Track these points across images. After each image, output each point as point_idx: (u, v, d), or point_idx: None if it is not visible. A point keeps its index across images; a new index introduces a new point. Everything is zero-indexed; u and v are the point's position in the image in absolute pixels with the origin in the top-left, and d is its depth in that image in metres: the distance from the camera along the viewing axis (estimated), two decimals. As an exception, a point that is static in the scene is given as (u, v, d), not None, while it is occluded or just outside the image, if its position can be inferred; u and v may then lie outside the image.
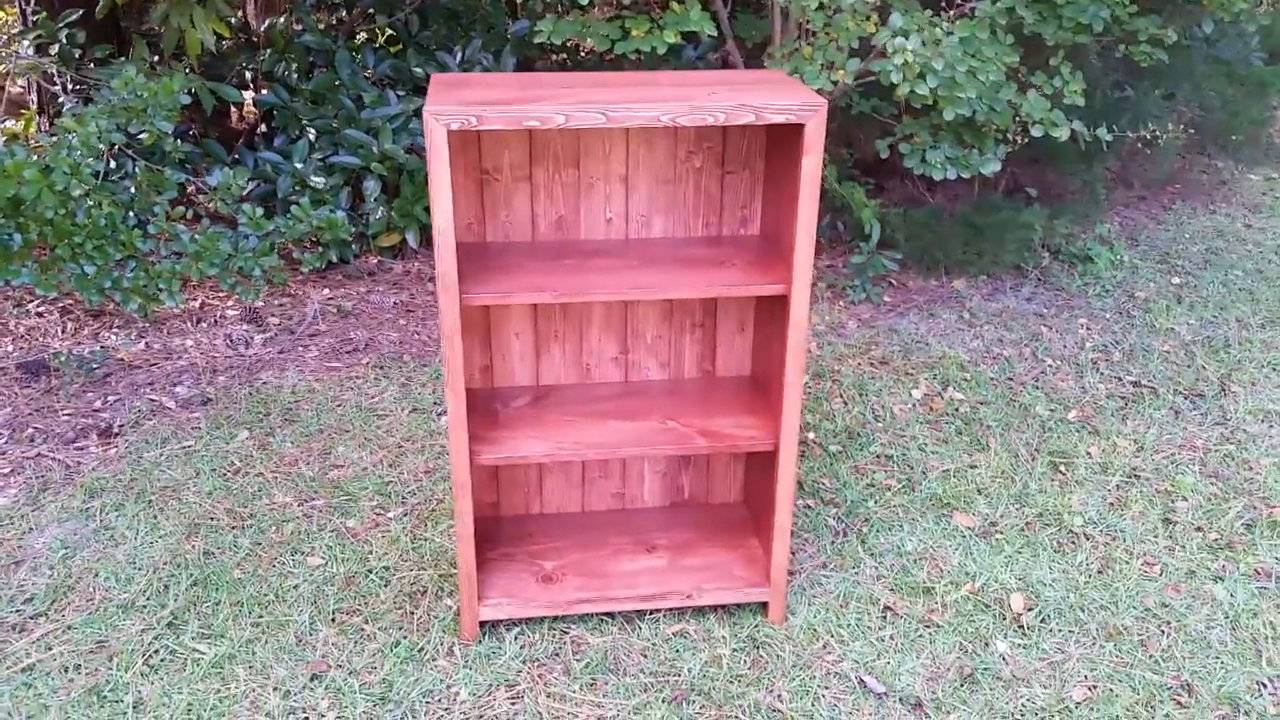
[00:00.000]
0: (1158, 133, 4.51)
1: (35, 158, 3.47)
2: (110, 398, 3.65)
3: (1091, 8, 3.53)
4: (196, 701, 2.35)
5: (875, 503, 3.09)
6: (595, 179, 2.50)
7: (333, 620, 2.60)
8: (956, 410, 3.60)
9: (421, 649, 2.51)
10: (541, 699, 2.37)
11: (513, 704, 2.36)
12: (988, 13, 3.40)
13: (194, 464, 3.25)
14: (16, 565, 2.79)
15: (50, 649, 2.50)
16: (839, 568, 2.81)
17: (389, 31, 5.49)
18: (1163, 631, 2.61)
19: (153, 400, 3.64)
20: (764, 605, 2.62)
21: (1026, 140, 3.83)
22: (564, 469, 2.81)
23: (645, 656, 2.50)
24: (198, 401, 3.64)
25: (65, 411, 3.55)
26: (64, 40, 4.82)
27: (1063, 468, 3.27)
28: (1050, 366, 3.90)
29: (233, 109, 5.90)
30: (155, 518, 2.98)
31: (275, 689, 2.39)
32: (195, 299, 4.40)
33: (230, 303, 4.37)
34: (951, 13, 3.56)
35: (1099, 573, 2.81)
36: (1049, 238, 4.76)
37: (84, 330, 4.10)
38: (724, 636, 2.56)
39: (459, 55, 4.94)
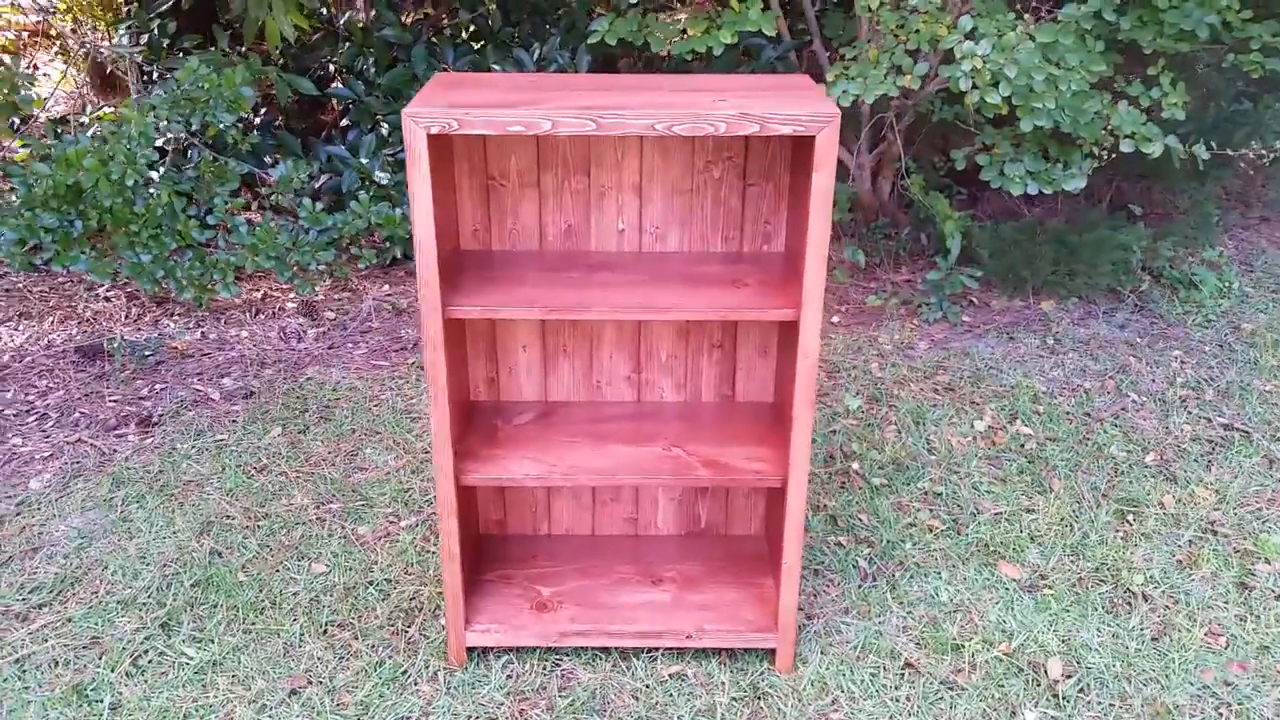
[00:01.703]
0: (1280, 150, 4.11)
1: (95, 147, 3.52)
2: (158, 386, 3.68)
3: (1197, 13, 3.20)
4: (173, 708, 2.30)
5: (914, 545, 2.86)
6: (607, 188, 2.36)
7: (324, 633, 2.53)
8: (1021, 446, 3.32)
9: (406, 671, 2.41)
10: (518, 736, 2.25)
11: (487, 738, 2.25)
12: (1072, 17, 3.11)
13: (223, 459, 3.24)
14: (34, 552, 2.81)
15: (46, 641, 2.50)
16: (862, 614, 2.60)
17: (472, 27, 5.45)
18: (1221, 715, 2.32)
19: (198, 390, 3.66)
20: (772, 651, 2.44)
21: (1115, 155, 3.51)
22: (572, 490, 2.68)
23: (636, 699, 2.35)
24: (241, 395, 3.64)
25: (113, 398, 3.60)
26: (155, 30, 4.92)
27: (1130, 517, 2.98)
28: (1133, 402, 3.57)
29: (334, 102, 5.96)
30: (173, 513, 2.97)
31: (252, 702, 2.33)
32: (259, 290, 4.43)
33: (291, 295, 4.39)
34: (1029, 16, 3.28)
35: (1153, 640, 2.53)
36: (1151, 259, 4.39)
37: (146, 317, 4.17)
38: (724, 683, 2.39)
39: (536, 53, 4.85)
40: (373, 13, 5.01)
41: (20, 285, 4.36)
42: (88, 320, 4.13)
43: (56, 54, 7.23)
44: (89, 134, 3.91)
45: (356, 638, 2.52)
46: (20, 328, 4.05)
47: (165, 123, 3.74)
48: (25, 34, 7.75)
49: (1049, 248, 4.31)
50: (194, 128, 3.95)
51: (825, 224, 2.01)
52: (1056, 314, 4.25)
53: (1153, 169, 4.36)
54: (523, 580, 2.57)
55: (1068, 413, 3.52)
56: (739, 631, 2.41)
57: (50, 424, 3.44)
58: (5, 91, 3.61)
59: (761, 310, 2.13)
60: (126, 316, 4.17)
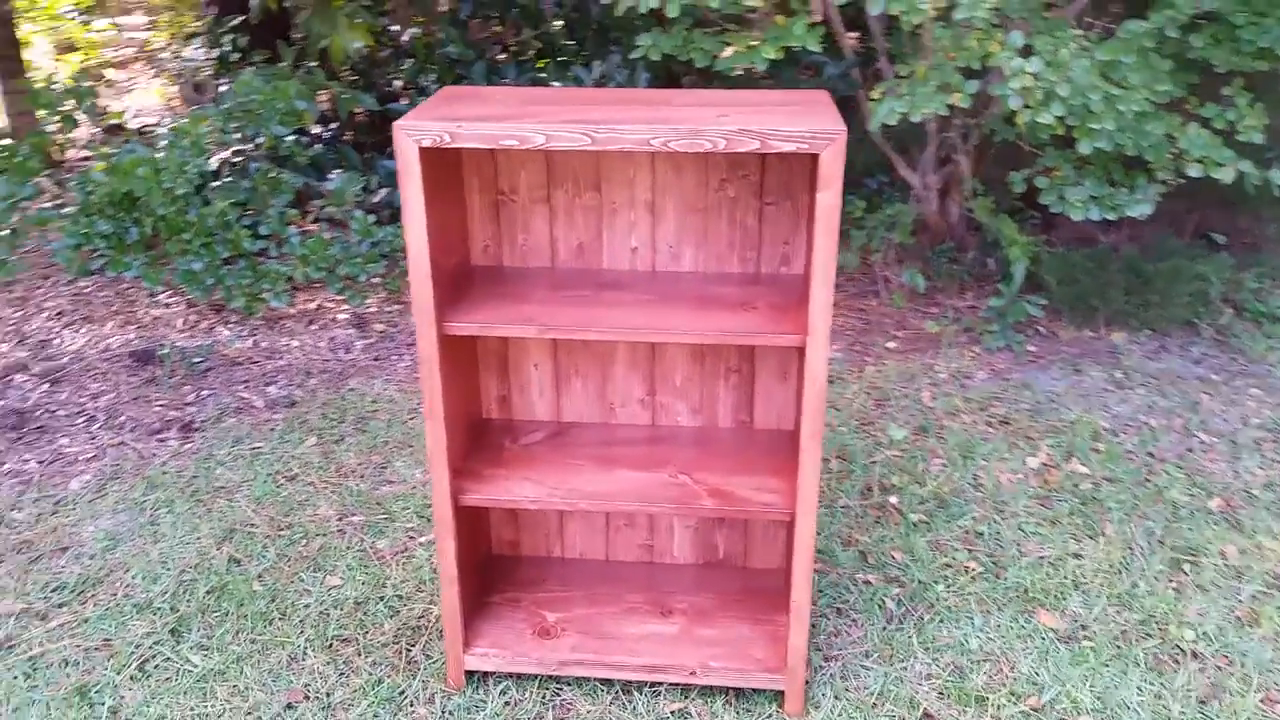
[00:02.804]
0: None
1: (148, 156, 3.60)
2: (204, 392, 3.74)
3: (1277, 29, 3.00)
4: (170, 715, 2.30)
5: (947, 587, 2.71)
6: (619, 204, 2.29)
7: (328, 647, 2.51)
8: (1075, 486, 3.14)
9: (403, 691, 2.37)
10: (507, 766, 2.18)
11: (476, 767, 2.18)
12: (1134, 33, 2.94)
13: (255, 466, 3.26)
14: (61, 552, 2.86)
15: (60, 640, 2.53)
16: (884, 659, 2.47)
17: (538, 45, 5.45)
18: (1267, 789, 2.13)
19: (243, 398, 3.70)
20: (781, 693, 2.33)
21: (1186, 180, 3.31)
22: (585, 514, 2.61)
23: (633, 733, 2.26)
24: (283, 403, 3.67)
25: (159, 402, 3.66)
26: (226, 44, 5.04)
27: (1186, 567, 2.78)
28: (1201, 443, 3.35)
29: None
30: (199, 519, 2.99)
31: (248, 714, 2.31)
32: (314, 301, 4.48)
33: (344, 307, 4.42)
34: (1081, 32, 3.10)
35: (1201, 703, 2.34)
36: (1233, 291, 4.14)
37: (202, 324, 4.24)
38: (727, 722, 2.29)
39: (596, 71, 4.83)
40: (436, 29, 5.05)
41: (87, 290, 4.49)
42: (146, 325, 4.22)
43: (145, 69, 7.49)
44: (149, 143, 4.00)
45: (360, 654, 2.48)
46: (82, 330, 4.17)
47: (219, 134, 3.80)
48: (122, 50, 8.07)
49: (1121, 276, 4.10)
50: (255, 140, 4.03)
51: (831, 246, 1.91)
52: (1127, 346, 4.03)
53: (1238, 196, 4.11)
54: (529, 604, 2.51)
55: (1129, 452, 3.31)
56: (745, 671, 2.30)
57: (97, 426, 3.51)
58: (72, 104, 3.72)
59: (767, 335, 2.03)
60: (184, 323, 4.25)
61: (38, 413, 3.59)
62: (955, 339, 4.14)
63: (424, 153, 1.94)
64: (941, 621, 2.59)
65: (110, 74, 8.10)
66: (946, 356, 4.00)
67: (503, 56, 5.28)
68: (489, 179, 2.29)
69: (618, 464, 2.33)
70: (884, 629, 2.56)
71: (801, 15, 3.17)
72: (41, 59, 8.05)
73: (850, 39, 4.41)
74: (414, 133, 1.89)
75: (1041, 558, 2.82)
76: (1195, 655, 2.48)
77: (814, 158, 1.99)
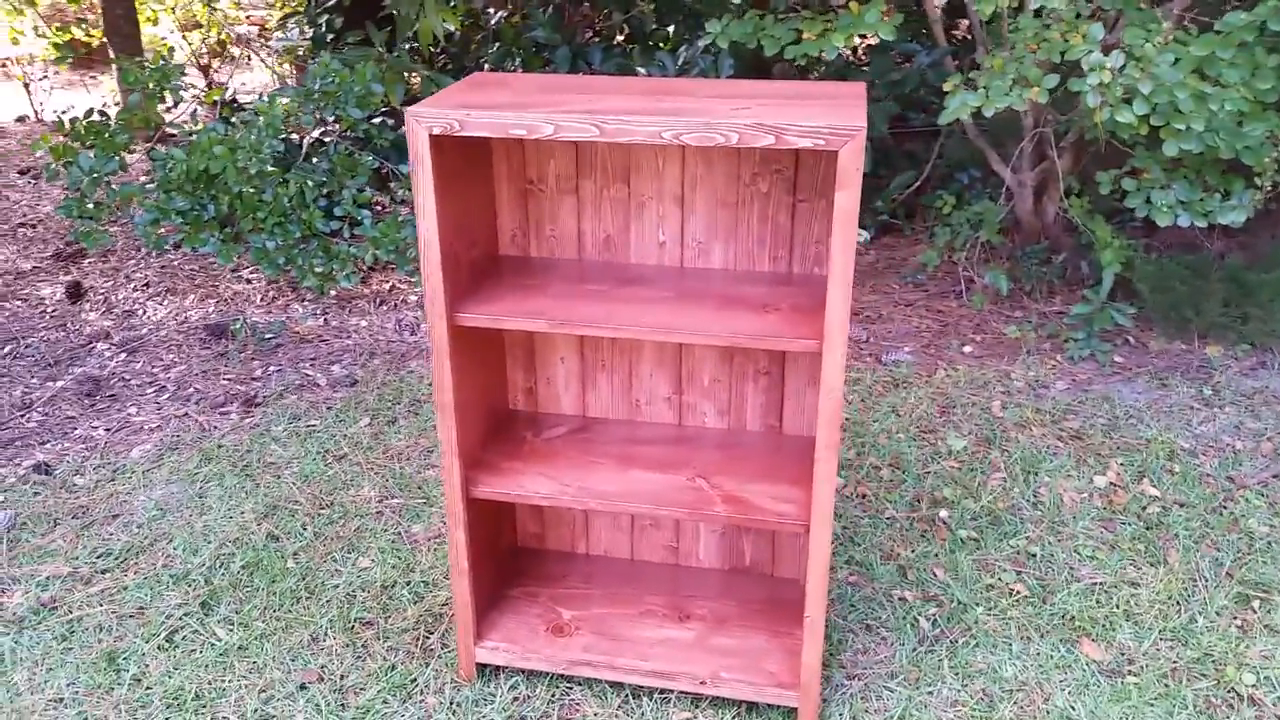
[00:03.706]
0: None
1: (225, 135, 3.68)
2: (272, 368, 3.82)
3: (1398, 23, 2.74)
4: (188, 687, 2.35)
5: (988, 609, 2.58)
6: (647, 198, 2.23)
7: (349, 629, 2.53)
8: (1143, 509, 2.95)
9: (415, 679, 2.37)
10: (506, 763, 2.16)
11: (475, 762, 2.17)
12: (1233, 27, 2.72)
13: (308, 444, 3.31)
14: (113, 519, 2.95)
15: (99, 605, 2.61)
16: (910, 681, 2.36)
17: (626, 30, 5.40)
18: None
19: (307, 375, 3.77)
20: (794, 710, 2.24)
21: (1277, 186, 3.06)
22: (610, 512, 2.56)
23: (638, 739, 2.21)
24: (345, 383, 3.72)
25: (227, 376, 3.76)
26: (320, 26, 5.13)
27: (1256, 604, 2.58)
28: (1291, 471, 3.11)
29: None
30: (246, 494, 3.05)
31: (262, 691, 2.34)
32: (388, 282, 4.53)
33: (416, 290, 4.47)
34: (1176, 25, 2.88)
35: (1251, 755, 2.17)
36: (1347, 308, 3.83)
37: (279, 301, 4.34)
38: (735, 735, 2.21)
39: (681, 57, 4.75)
40: (523, 12, 5.04)
41: (175, 263, 4.64)
42: (226, 300, 4.34)
43: (247, 48, 7.69)
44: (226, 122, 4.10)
45: (379, 638, 2.49)
46: (165, 303, 4.31)
47: (297, 115, 3.87)
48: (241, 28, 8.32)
49: (1221, 286, 3.84)
50: (331, 121, 4.08)
51: (849, 248, 1.81)
52: (1222, 361, 3.77)
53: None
54: (547, 600, 2.48)
55: (1208, 475, 3.10)
56: (757, 685, 2.22)
57: (166, 396, 3.62)
58: (154, 82, 3.83)
59: (782, 339, 1.94)
60: (262, 299, 4.36)
61: (113, 381, 3.73)
62: (1037, 346, 3.94)
63: (443, 140, 1.92)
64: (977, 646, 2.46)
65: (235, 52, 8.38)
66: (1025, 364, 3.81)
67: (594, 41, 5.24)
68: (517, 167, 2.26)
69: (636, 464, 2.28)
70: (914, 650, 2.45)
71: (876, 3, 3.03)
72: (171, 38, 8.37)
73: (955, 27, 4.23)
74: (425, 119, 1.86)
75: (1094, 584, 2.66)
76: (1253, 701, 2.30)
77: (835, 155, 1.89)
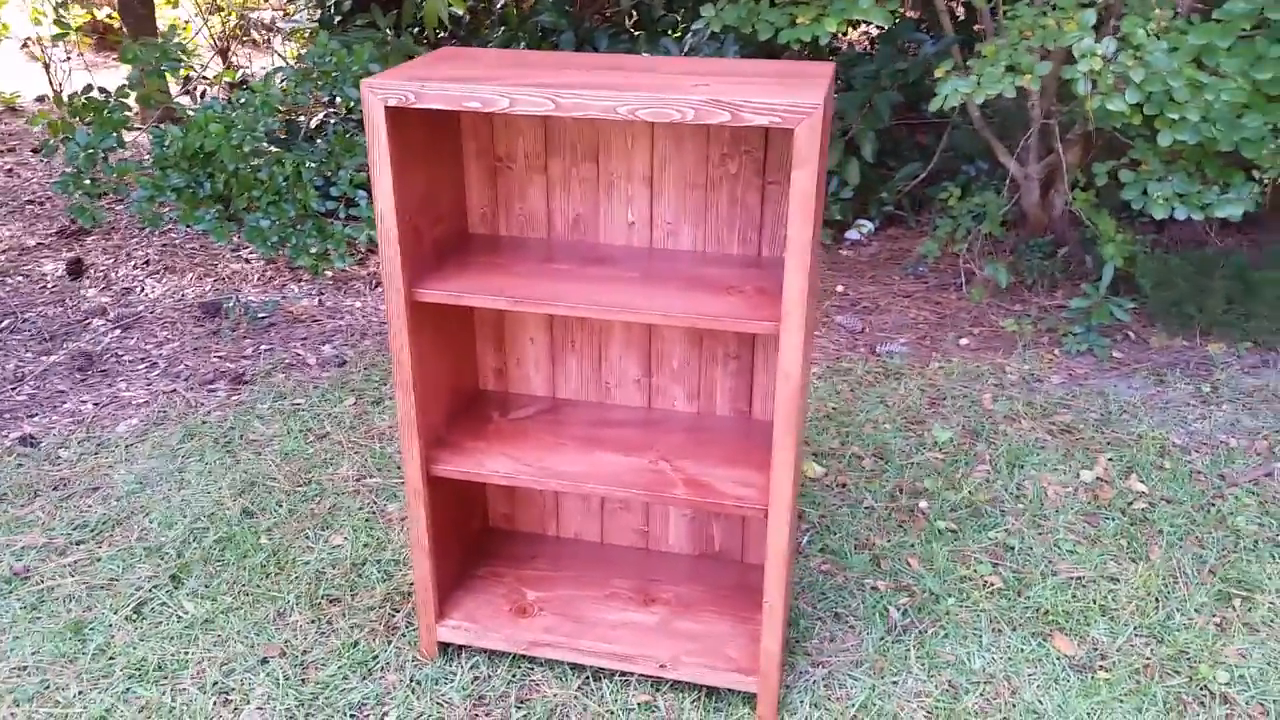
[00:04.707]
0: None
1: (221, 113, 3.69)
2: (263, 347, 3.83)
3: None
4: (151, 658, 2.35)
5: (960, 600, 2.54)
6: (616, 177, 2.20)
7: (315, 605, 2.52)
8: (1128, 505, 2.90)
9: (377, 656, 2.36)
10: (460, 742, 2.15)
11: (430, 740, 2.16)
12: (1232, 15, 2.66)
13: (291, 422, 3.31)
14: (92, 491, 2.97)
15: (71, 576, 2.62)
16: (875, 671, 2.33)
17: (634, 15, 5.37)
18: None
19: (298, 355, 3.78)
20: (754, 696, 2.22)
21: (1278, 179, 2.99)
22: (580, 494, 2.55)
23: (595, 722, 2.19)
24: (334, 363, 3.73)
25: (218, 354, 3.77)
26: (329, 8, 5.14)
27: (1237, 603, 2.53)
28: (1284, 470, 3.05)
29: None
30: (225, 469, 3.06)
31: (224, 664, 2.34)
32: (386, 263, 4.52)
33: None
34: (1165, 14, 2.82)
35: (1219, 754, 2.13)
36: (1353, 306, 3.75)
37: (275, 281, 4.35)
38: (693, 721, 2.19)
39: (686, 44, 4.71)
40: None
41: (176, 243, 4.67)
42: (224, 279, 4.36)
43: (266, 32, 7.71)
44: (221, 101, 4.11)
45: (344, 614, 2.49)
46: (163, 281, 4.33)
47: (294, 95, 3.87)
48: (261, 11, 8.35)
49: (1225, 282, 3.77)
50: (333, 102, 4.08)
51: (805, 228, 1.78)
52: (1224, 359, 3.70)
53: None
54: (512, 580, 2.47)
55: (1198, 472, 3.04)
56: (717, 669, 2.20)
57: (156, 373, 3.64)
58: (156, 58, 3.84)
59: (743, 320, 1.92)
60: (259, 279, 4.37)
61: (105, 356, 3.75)
62: (1035, 340, 3.89)
63: (403, 113, 1.90)
64: (946, 637, 2.43)
65: (255, 36, 8.41)
66: (1021, 358, 3.76)
67: (601, 26, 5.22)
68: (486, 144, 2.24)
69: (601, 446, 2.26)
70: (881, 639, 2.42)
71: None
72: (194, 22, 8.41)
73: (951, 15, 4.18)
74: (380, 91, 1.84)
75: (1072, 578, 2.62)
76: (1225, 699, 2.25)
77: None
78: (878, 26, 5.19)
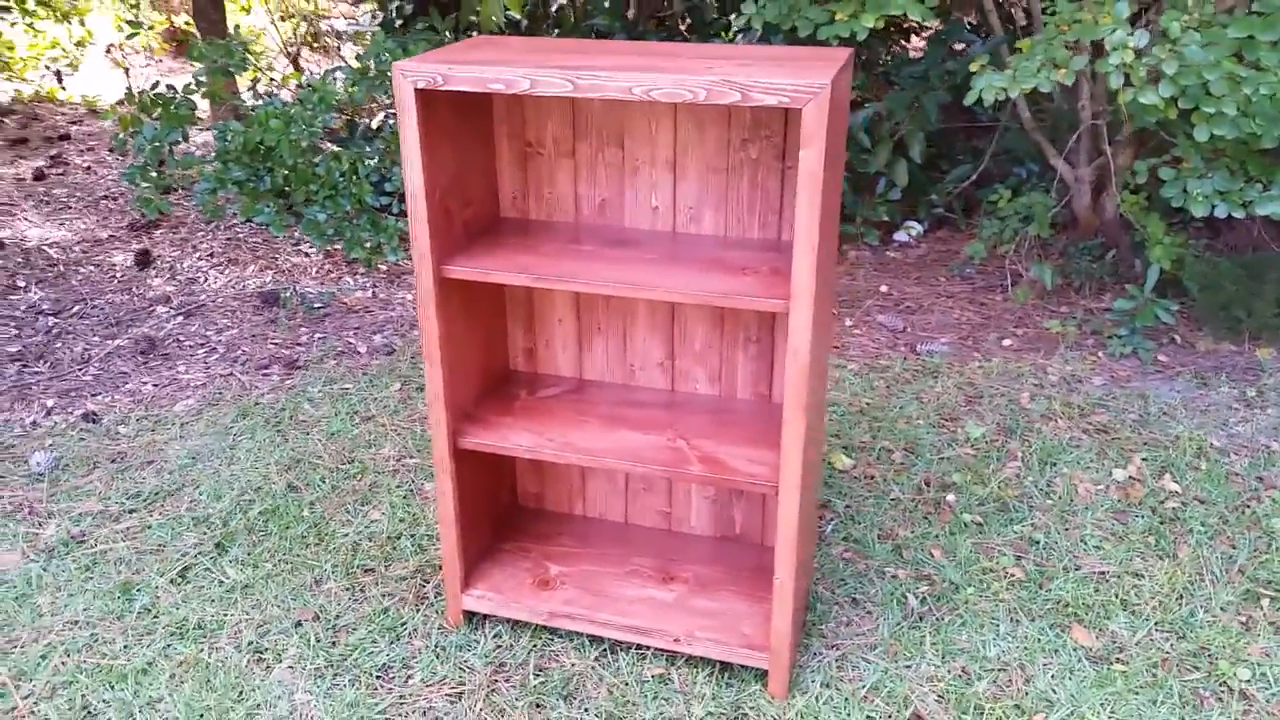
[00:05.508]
0: None
1: (281, 110, 3.84)
2: (317, 335, 3.97)
3: None
4: (191, 618, 2.47)
5: (980, 590, 2.55)
6: (640, 162, 2.27)
7: (350, 574, 2.62)
8: (1160, 504, 2.88)
9: (405, 623, 2.45)
10: (479, 706, 2.22)
11: (450, 703, 2.23)
12: (1274, 7, 2.64)
13: (339, 405, 3.43)
14: (147, 464, 3.11)
15: (123, 541, 2.76)
16: (890, 654, 2.35)
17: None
18: None
19: (349, 343, 3.90)
20: (765, 672, 2.26)
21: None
22: (607, 473, 2.62)
23: (610, 693, 2.25)
24: (384, 351, 3.85)
25: (274, 340, 3.91)
26: (390, 12, 5.30)
27: (1265, 602, 2.50)
28: (1325, 473, 3.00)
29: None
30: (274, 447, 3.18)
31: (260, 626, 2.45)
32: (438, 258, 4.65)
33: (463, 265, 4.57)
34: (1199, 5, 2.80)
35: (1234, 747, 2.11)
36: None
37: (333, 273, 4.50)
38: (705, 695, 2.24)
39: (737, 43, 4.77)
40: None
41: (240, 236, 4.85)
42: (284, 271, 4.52)
43: (338, 39, 7.94)
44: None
45: (377, 583, 2.59)
46: (226, 272, 4.50)
47: (348, 95, 4.01)
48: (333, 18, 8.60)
49: (1274, 287, 3.71)
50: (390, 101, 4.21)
51: (813, 208, 1.83)
52: (1273, 364, 3.64)
53: None
54: (537, 555, 2.54)
55: (1235, 474, 3.00)
56: (730, 645, 2.25)
57: (215, 358, 3.79)
58: (220, 58, 4.02)
59: (752, 299, 1.97)
60: (317, 271, 4.52)
61: (167, 341, 3.92)
62: (1079, 341, 3.86)
63: (433, 96, 1.99)
64: (963, 625, 2.44)
65: (328, 42, 8.68)
66: (1063, 359, 3.74)
67: (654, 29, 5.30)
68: (517, 129, 2.32)
69: (623, 424, 2.32)
70: (898, 625, 2.44)
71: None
72: (269, 29, 8.71)
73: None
74: (410, 74, 1.94)
75: (1096, 573, 2.61)
76: (1245, 696, 2.23)
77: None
78: (928, 27, 5.20)
